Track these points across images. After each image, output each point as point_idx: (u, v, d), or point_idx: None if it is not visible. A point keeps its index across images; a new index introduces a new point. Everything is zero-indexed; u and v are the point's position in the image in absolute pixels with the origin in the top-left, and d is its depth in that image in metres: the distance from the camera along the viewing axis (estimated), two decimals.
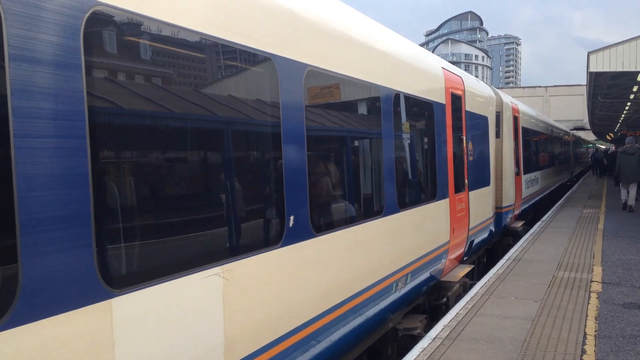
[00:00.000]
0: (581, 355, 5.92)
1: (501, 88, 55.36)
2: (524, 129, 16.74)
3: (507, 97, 15.09)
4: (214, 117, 3.84)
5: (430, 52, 9.78)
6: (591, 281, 9.16)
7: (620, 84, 23.30)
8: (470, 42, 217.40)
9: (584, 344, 6.27)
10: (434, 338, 6.54)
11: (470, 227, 10.11)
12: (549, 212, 19.34)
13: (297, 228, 4.54)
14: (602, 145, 77.61)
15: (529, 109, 20.46)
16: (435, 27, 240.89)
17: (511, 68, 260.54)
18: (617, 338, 6.48)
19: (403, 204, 6.92)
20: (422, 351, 6.12)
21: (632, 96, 26.95)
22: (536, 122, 20.81)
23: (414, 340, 6.96)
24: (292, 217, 4.48)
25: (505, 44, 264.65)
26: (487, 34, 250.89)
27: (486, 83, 13.31)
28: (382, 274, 6.26)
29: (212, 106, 3.79)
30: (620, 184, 19.03)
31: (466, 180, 9.90)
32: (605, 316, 7.30)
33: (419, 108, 7.85)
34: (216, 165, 3.94)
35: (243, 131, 4.24)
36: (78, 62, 2.78)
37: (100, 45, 3.02)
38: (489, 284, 9.09)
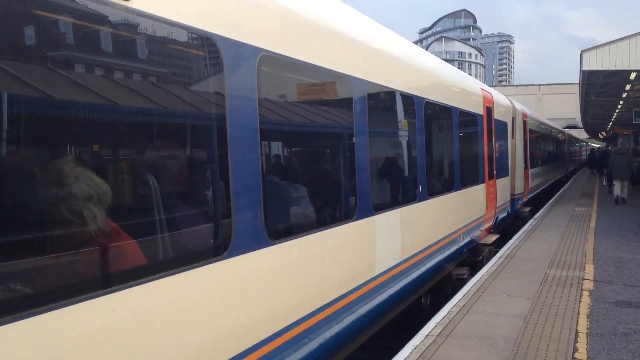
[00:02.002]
0: (573, 353, 5.92)
1: (494, 86, 55.41)
2: (530, 130, 20.01)
3: (518, 105, 18.27)
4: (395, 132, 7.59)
5: (472, 77, 13.12)
6: (583, 279, 9.18)
7: (613, 82, 23.35)
8: (464, 40, 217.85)
9: (575, 341, 6.28)
10: (426, 335, 6.52)
11: (497, 206, 13.27)
12: (542, 210, 19.41)
13: (422, 194, 7.78)
14: (594, 144, 77.93)
15: (534, 113, 24.37)
16: (429, 25, 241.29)
17: (504, 66, 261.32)
18: (609, 336, 6.49)
19: (462, 185, 10.04)
20: (415, 348, 6.11)
21: (624, 95, 27.02)
22: (539, 124, 24.24)
23: (462, 282, 9.50)
24: (420, 187, 7.77)
25: (499, 42, 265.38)
26: (481, 32, 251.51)
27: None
28: (453, 229, 9.49)
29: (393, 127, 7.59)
30: (614, 181, 21.18)
31: (494, 171, 12.97)
32: (597, 314, 7.32)
33: (470, 119, 10.98)
34: (406, 161, 7.71)
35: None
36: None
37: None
38: (481, 281, 9.09)
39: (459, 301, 7.96)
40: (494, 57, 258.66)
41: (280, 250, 4.31)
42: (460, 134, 10.05)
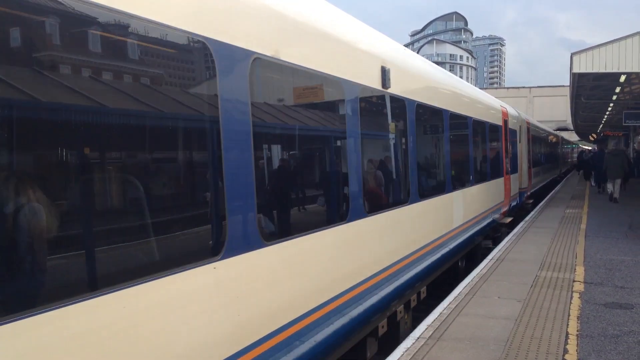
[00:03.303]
0: (563, 355, 5.94)
1: (485, 89, 55.77)
2: (532, 135, 24.23)
3: (523, 115, 22.84)
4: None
5: (494, 98, 17.16)
6: (573, 281, 9.21)
7: (603, 85, 23.48)
8: (455, 43, 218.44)
9: (566, 343, 6.30)
10: (418, 338, 6.52)
11: (511, 195, 17.34)
12: (532, 212, 19.49)
13: (471, 181, 11.53)
14: (585, 146, 78.32)
15: (534, 120, 29.93)
16: (421, 28, 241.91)
17: (495, 69, 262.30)
18: (599, 338, 6.52)
19: (491, 177, 14.07)
20: (406, 351, 6.10)
21: (614, 97, 27.20)
22: (538, 130, 29.04)
23: (489, 250, 12.59)
24: (471, 176, 11.34)
25: (490, 44, 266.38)
26: (472, 34, 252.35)
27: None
28: (486, 207, 13.40)
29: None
30: (608, 180, 23.01)
31: (509, 168, 16.95)
32: (587, 316, 7.34)
33: (495, 130, 14.92)
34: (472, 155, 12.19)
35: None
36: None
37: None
38: (472, 283, 9.10)
39: (450, 303, 7.96)
40: (485, 59, 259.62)
41: (422, 204, 8.20)
42: (490, 141, 14.19)
